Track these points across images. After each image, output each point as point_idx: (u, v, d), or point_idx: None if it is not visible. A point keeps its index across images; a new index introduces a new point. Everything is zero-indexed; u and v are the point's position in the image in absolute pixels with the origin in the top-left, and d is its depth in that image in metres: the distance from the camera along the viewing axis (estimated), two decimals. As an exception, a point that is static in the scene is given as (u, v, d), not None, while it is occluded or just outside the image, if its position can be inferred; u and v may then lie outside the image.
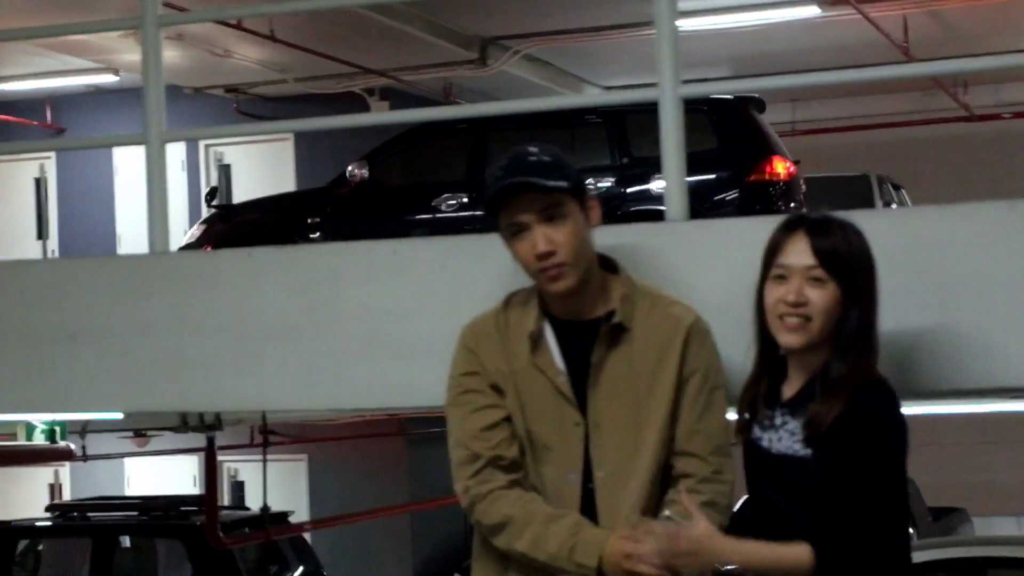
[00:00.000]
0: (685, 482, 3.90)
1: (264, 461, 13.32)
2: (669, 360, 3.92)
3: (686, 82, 4.81)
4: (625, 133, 10.66)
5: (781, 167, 10.30)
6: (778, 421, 3.77)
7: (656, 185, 10.18)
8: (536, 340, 3.96)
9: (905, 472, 3.67)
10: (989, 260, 4.20)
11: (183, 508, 14.76)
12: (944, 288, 4.20)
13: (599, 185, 10.46)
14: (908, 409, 3.76)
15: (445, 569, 17.28)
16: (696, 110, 10.23)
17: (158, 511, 14.68)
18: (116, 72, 17.37)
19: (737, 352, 4.01)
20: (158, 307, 5.14)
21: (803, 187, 10.77)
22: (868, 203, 14.29)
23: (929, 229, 4.32)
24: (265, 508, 13.26)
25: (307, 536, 15.99)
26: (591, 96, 17.91)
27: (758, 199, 10.13)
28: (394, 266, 4.85)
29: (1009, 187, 18.47)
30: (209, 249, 10.60)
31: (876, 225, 4.00)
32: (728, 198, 10.15)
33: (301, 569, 15.02)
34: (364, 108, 17.16)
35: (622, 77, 18.38)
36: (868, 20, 15.06)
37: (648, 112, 10.47)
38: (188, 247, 11.39)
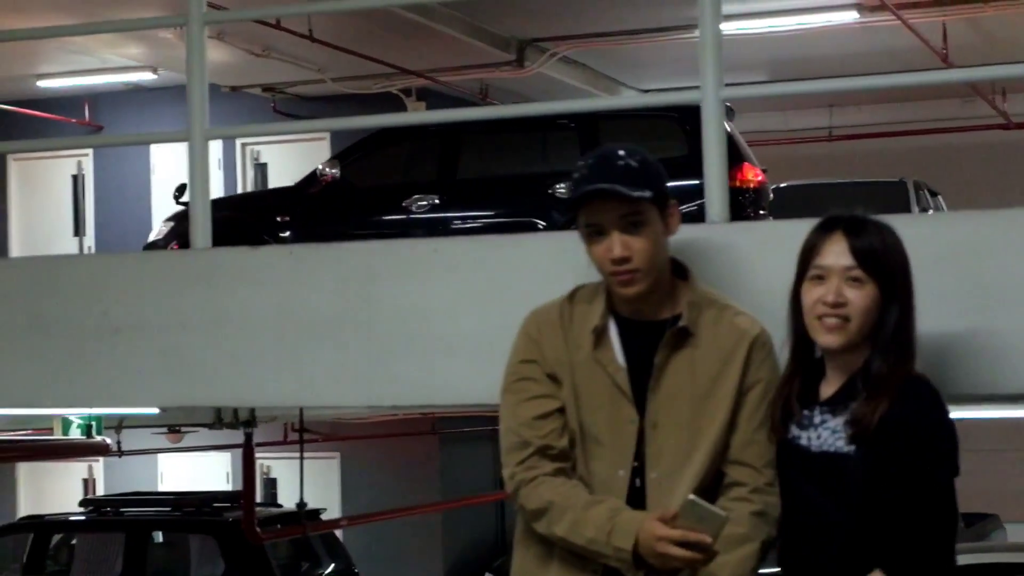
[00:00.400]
0: (737, 490, 3.91)
1: (301, 458, 13.36)
2: (732, 369, 3.92)
3: (728, 85, 4.83)
4: (597, 137, 10.61)
5: (751, 174, 10.30)
6: (817, 419, 3.78)
7: None
8: (600, 335, 3.97)
9: (958, 469, 3.68)
10: (1027, 265, 4.21)
11: (216, 504, 14.82)
12: (982, 292, 4.20)
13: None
14: (946, 413, 3.76)
15: (476, 568, 17.30)
16: (667, 116, 10.23)
17: (191, 507, 14.75)
18: (155, 70, 17.45)
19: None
20: (198, 303, 5.17)
21: (770, 195, 10.79)
22: (904, 209, 14.24)
23: (967, 234, 4.33)
24: (301, 504, 13.31)
25: (339, 534, 16.04)
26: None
27: (730, 205, 10.12)
28: (434, 264, 4.88)
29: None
30: (176, 247, 10.53)
31: (914, 229, 4.01)
32: (702, 204, 10.14)
33: (333, 566, 15.06)
34: (401, 108, 17.19)
35: (659, 80, 18.38)
36: (907, 26, 15.03)
37: (619, 117, 10.45)
38: (153, 245, 11.31)
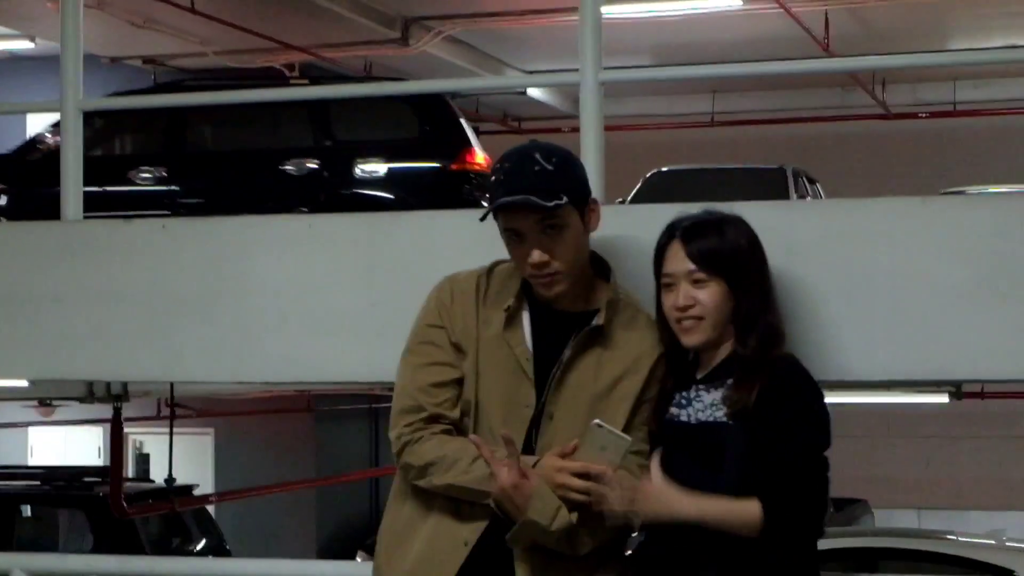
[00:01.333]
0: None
1: (171, 433, 13.26)
2: (636, 377, 3.91)
3: (607, 68, 4.84)
4: (328, 116, 10.55)
5: (480, 157, 10.31)
6: (694, 395, 3.85)
7: (360, 169, 10.21)
8: (512, 316, 3.94)
9: (830, 441, 3.78)
10: (901, 255, 4.27)
11: (86, 479, 14.68)
12: (853, 280, 4.26)
13: (302, 167, 10.41)
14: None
15: (349, 546, 17.27)
16: (398, 98, 10.22)
17: (61, 481, 14.60)
18: (32, 39, 17.19)
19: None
20: (69, 275, 5.10)
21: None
22: (783, 195, 14.35)
23: (841, 222, 4.38)
24: (170, 479, 13.20)
25: (211, 510, 15.95)
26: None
27: (460, 187, 10.10)
28: (309, 240, 4.85)
29: (922, 185, 18.68)
30: None
31: (790, 216, 4.04)
32: (433, 185, 10.12)
33: (204, 542, 14.98)
34: (284, 84, 17.07)
35: (545, 62, 18.41)
36: (790, 14, 15.17)
37: (352, 97, 10.32)
38: None
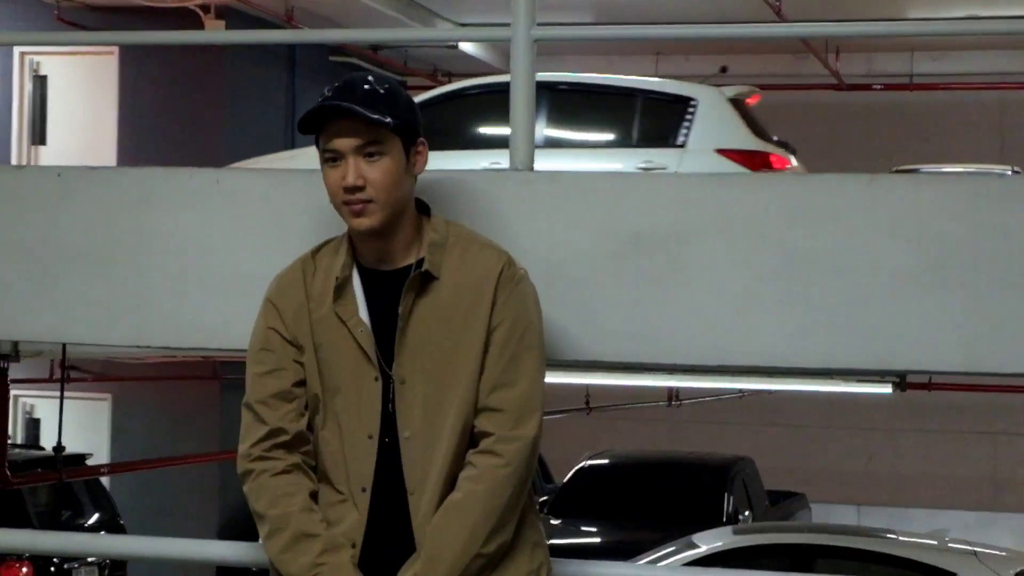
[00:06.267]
0: (484, 441, 3.87)
1: (61, 398, 13.15)
2: (479, 311, 3.90)
3: (541, 25, 4.82)
4: None
5: None
6: None
7: None
8: (341, 287, 3.95)
9: None
10: (844, 235, 4.29)
11: (-31, 444, 14.55)
12: (792, 261, 4.27)
13: None
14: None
15: (252, 526, 17.21)
16: None
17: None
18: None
19: (564, 312, 4.11)
20: (-47, 224, 5.03)
21: None
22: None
23: (779, 198, 4.39)
24: (59, 447, 13.10)
25: (105, 482, 15.85)
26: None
27: None
28: (215, 196, 4.80)
29: (876, 160, 18.79)
30: None
31: (727, 191, 4.04)
32: None
33: (97, 516, 14.90)
34: (198, 26, 16.94)
35: (478, 14, 18.35)
36: (741, -26, 15.20)
37: None
38: None
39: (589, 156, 10.54)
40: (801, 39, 17.79)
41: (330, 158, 3.93)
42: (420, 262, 3.93)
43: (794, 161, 10.80)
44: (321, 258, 4.05)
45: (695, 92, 10.46)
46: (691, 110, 10.37)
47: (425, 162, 4.02)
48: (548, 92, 10.58)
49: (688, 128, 10.30)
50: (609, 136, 10.98)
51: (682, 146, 10.14)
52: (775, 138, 10.94)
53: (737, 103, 10.66)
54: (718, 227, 4.17)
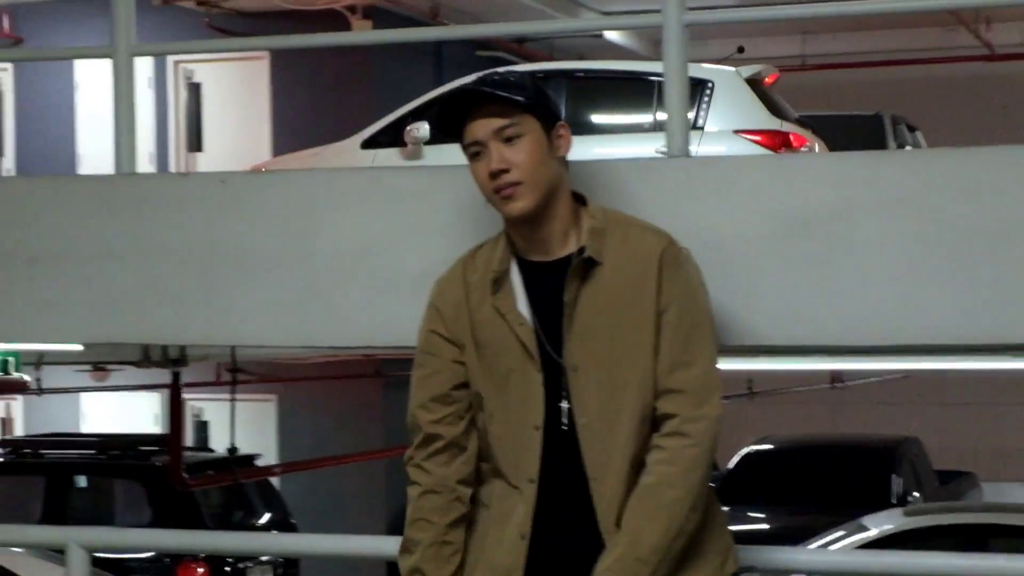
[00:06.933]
0: (668, 424, 3.87)
1: (232, 400, 13.32)
2: (646, 292, 3.90)
3: (692, 9, 4.81)
4: None
5: None
6: None
7: None
8: (499, 280, 3.98)
9: None
10: (1010, 206, 4.23)
11: (143, 448, 14.79)
12: (958, 234, 4.23)
13: None
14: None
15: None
16: None
17: (116, 450, 14.71)
18: (81, -20, 17.27)
19: (727, 296, 4.14)
20: (123, 232, 5.12)
21: None
22: (881, 144, 14.27)
23: (943, 173, 4.35)
24: (232, 449, 13.28)
25: (275, 481, 16.03)
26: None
27: None
28: (376, 196, 4.86)
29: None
30: None
31: (889, 168, 4.01)
32: None
33: (268, 516, 15.07)
34: (345, 27, 17.09)
35: (623, 2, 18.30)
36: (888, -52, 15.01)
37: None
38: None
39: (608, 142, 10.51)
40: (951, 10, 17.53)
41: (474, 153, 3.98)
42: (582, 249, 3.94)
43: (812, 139, 10.70)
44: (481, 255, 4.08)
45: (711, 74, 10.42)
46: (708, 92, 10.34)
47: (568, 144, 4.04)
48: (566, 80, 10.66)
49: (706, 110, 10.29)
50: (627, 120, 10.97)
51: (700, 128, 10.11)
52: (795, 115, 10.85)
53: (754, 83, 10.60)
54: (880, 205, 4.14)
